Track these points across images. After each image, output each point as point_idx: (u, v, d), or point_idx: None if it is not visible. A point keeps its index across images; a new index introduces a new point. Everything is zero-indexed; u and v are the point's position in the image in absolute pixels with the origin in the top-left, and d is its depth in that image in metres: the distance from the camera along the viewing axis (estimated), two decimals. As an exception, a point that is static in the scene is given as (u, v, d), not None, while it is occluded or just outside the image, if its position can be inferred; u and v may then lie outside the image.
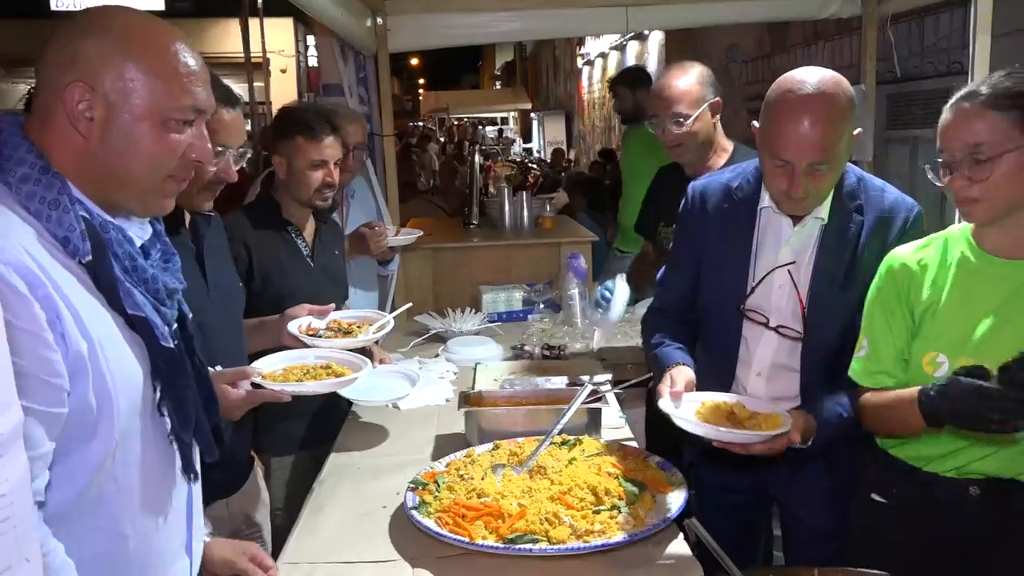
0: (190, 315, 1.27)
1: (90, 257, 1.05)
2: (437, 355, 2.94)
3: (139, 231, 1.19)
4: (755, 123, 1.67)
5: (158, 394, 1.15)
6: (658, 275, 2.05)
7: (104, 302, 1.07)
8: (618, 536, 1.52)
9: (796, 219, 1.73)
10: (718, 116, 2.43)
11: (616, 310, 2.73)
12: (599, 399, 2.11)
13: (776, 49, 6.61)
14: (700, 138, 2.40)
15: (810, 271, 1.74)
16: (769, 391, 1.81)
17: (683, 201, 1.93)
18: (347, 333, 1.99)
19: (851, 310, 1.70)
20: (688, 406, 1.66)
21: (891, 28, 3.98)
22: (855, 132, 1.63)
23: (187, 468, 1.24)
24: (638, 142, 4.35)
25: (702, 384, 1.76)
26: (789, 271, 1.74)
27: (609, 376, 2.45)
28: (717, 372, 1.86)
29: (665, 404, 1.64)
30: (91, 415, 1.03)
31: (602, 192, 6.73)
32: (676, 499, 1.65)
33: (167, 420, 1.17)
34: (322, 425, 2.30)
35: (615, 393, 2.35)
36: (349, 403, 2.32)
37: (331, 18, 3.20)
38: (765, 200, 1.76)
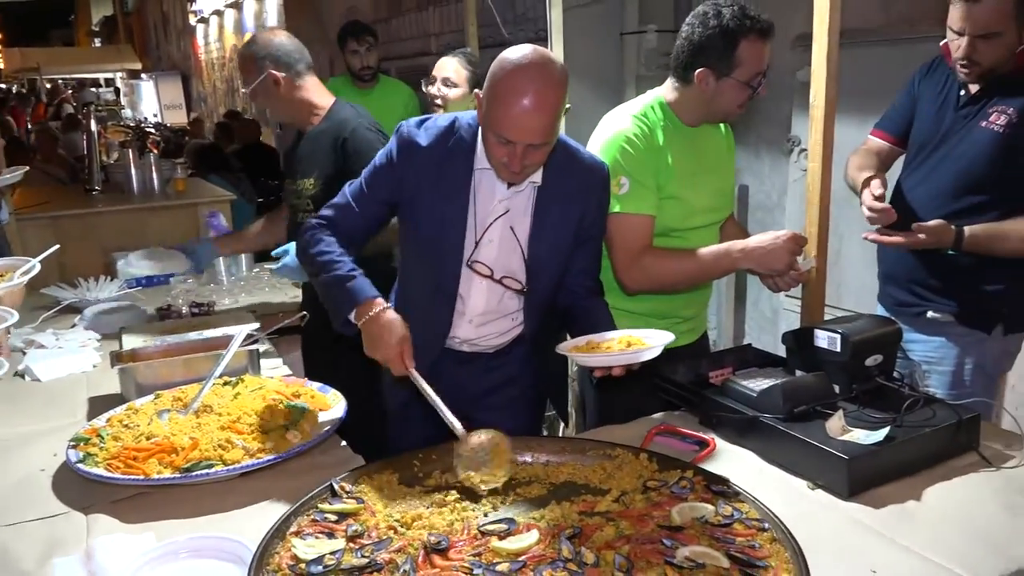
0: None
1: None
2: (73, 325, 2.81)
3: None
4: (478, 92, 1.74)
5: None
6: (345, 191, 1.92)
7: None
8: (288, 449, 1.69)
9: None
10: (281, 86, 2.49)
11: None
12: (255, 342, 2.24)
13: (392, 12, 6.98)
14: (274, 103, 2.54)
15: (527, 229, 1.84)
16: (479, 333, 1.96)
17: (392, 140, 1.86)
18: None
19: (563, 262, 1.90)
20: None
21: (490, -2, 4.49)
22: (567, 106, 1.82)
23: None
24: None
25: (413, 328, 1.78)
26: (512, 227, 1.83)
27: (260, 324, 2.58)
28: (432, 319, 1.92)
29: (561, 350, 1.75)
30: None
31: (225, 156, 6.52)
32: (336, 413, 1.87)
33: None
34: None
35: (271, 338, 2.48)
36: None
37: None
38: (481, 161, 1.78)
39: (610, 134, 2.08)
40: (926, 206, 2.21)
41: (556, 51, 3.45)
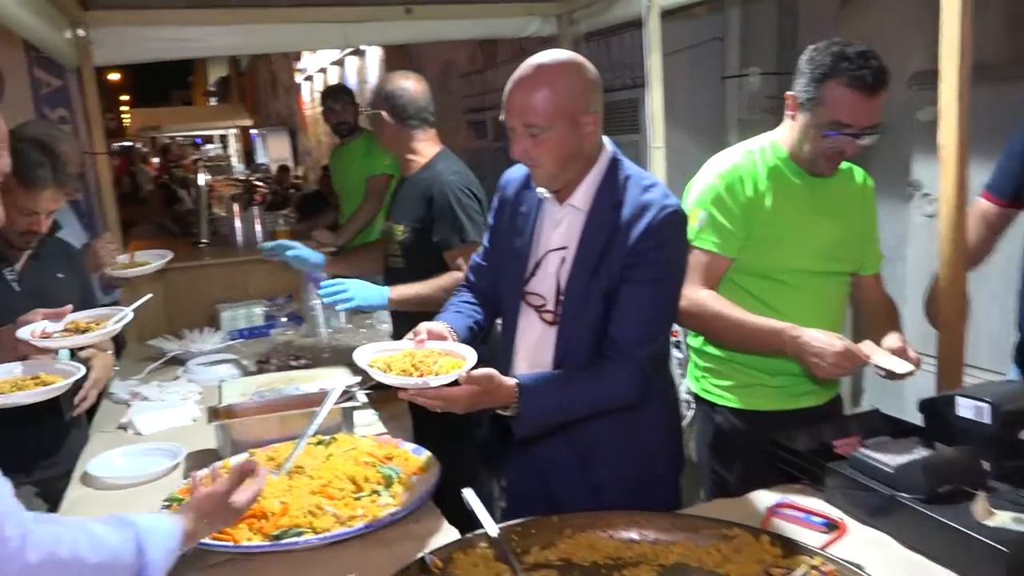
0: None
1: None
2: (177, 377, 2.84)
3: None
4: None
5: None
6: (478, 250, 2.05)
7: None
8: (380, 517, 1.62)
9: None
10: (386, 127, 2.64)
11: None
12: (350, 398, 2.19)
13: (488, 64, 7.06)
14: (381, 138, 2.71)
15: (572, 257, 1.76)
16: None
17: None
18: (84, 332, 1.91)
19: (600, 301, 1.72)
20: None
21: (585, 45, 4.45)
22: (592, 112, 1.67)
23: None
24: (344, 157, 4.53)
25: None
26: (564, 257, 1.77)
27: (359, 379, 2.54)
28: (503, 364, 1.81)
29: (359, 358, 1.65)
30: None
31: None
32: (430, 478, 1.78)
33: None
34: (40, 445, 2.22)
35: (367, 393, 2.43)
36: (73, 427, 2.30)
37: (21, 26, 2.93)
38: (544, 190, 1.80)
39: (709, 170, 2.04)
40: None
41: (655, 96, 3.35)
